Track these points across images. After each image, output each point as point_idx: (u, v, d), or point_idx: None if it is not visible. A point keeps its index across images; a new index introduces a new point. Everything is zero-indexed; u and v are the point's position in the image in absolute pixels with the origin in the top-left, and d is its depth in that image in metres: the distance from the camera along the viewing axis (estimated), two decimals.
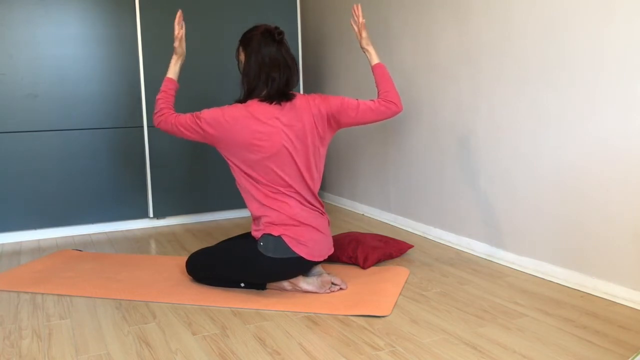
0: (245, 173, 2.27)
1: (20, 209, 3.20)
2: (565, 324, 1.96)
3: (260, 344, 1.86)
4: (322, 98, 2.34)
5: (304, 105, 2.30)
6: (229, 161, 2.29)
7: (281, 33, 2.27)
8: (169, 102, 2.35)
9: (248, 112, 2.22)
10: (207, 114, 2.23)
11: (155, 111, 2.35)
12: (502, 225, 2.67)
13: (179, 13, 2.37)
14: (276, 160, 2.23)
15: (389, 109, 2.40)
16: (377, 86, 2.46)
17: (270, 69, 2.24)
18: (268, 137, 2.21)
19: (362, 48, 2.52)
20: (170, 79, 2.40)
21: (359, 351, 1.78)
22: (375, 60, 2.48)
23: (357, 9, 2.49)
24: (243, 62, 2.31)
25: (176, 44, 2.38)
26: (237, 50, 2.36)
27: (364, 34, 2.49)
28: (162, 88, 2.38)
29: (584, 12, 2.19)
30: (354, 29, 2.53)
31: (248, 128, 2.20)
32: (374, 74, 2.48)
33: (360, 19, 2.48)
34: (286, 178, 2.25)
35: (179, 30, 2.37)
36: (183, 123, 2.27)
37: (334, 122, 2.35)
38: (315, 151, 2.31)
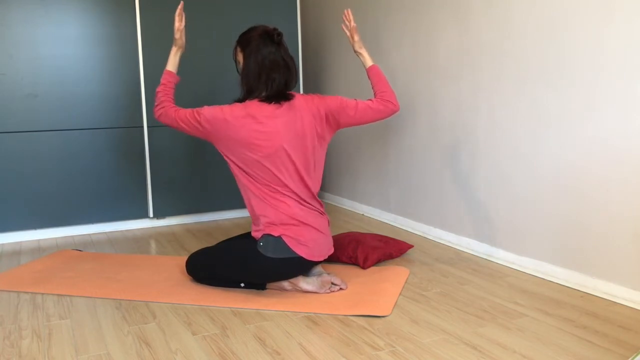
0: (244, 171, 2.27)
1: (20, 209, 3.20)
2: (565, 324, 1.96)
3: (260, 344, 1.86)
4: (321, 98, 2.35)
5: (303, 106, 2.30)
6: (227, 159, 2.30)
7: (280, 34, 2.28)
8: (169, 95, 2.38)
9: (247, 112, 2.22)
10: (207, 111, 2.24)
11: (156, 104, 2.37)
12: (502, 225, 2.67)
13: (180, 5, 2.38)
14: (274, 160, 2.23)
15: (387, 108, 2.43)
16: (373, 87, 2.49)
17: (270, 70, 2.25)
18: (266, 137, 2.21)
19: (356, 52, 2.54)
20: (170, 72, 2.42)
21: (359, 351, 1.78)
22: (369, 62, 2.52)
23: (348, 13, 2.53)
24: (241, 63, 2.32)
25: (177, 35, 2.41)
26: (235, 50, 2.37)
27: (356, 38, 2.53)
28: (162, 81, 2.40)
29: (584, 12, 2.19)
30: (346, 34, 2.56)
31: (246, 127, 2.21)
32: (369, 76, 2.51)
33: (352, 23, 2.51)
34: (283, 178, 2.25)
35: (179, 22, 2.39)
36: (183, 118, 2.28)
37: (334, 121, 2.36)
38: (314, 151, 2.32)
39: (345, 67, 3.91)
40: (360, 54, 2.53)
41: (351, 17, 2.52)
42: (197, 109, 2.27)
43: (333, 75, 4.08)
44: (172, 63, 2.43)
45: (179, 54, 2.44)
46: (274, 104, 2.26)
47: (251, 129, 2.21)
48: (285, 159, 2.24)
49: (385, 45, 3.43)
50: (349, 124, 2.40)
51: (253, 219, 2.32)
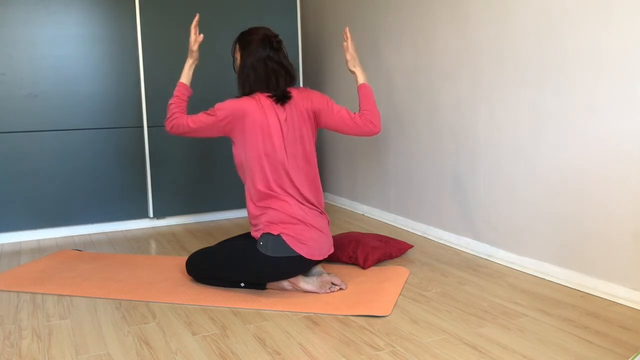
0: (247, 168, 2.29)
1: (20, 209, 3.20)
2: (566, 324, 1.96)
3: (260, 344, 1.86)
4: (310, 93, 2.40)
5: (300, 103, 2.35)
6: (235, 153, 2.33)
7: (279, 41, 2.33)
8: (181, 107, 2.39)
9: (255, 100, 2.28)
10: (220, 103, 2.28)
11: (168, 116, 2.38)
12: (502, 225, 2.67)
13: (197, 17, 2.41)
14: (276, 159, 2.25)
15: (366, 126, 2.41)
16: (359, 104, 2.47)
17: (268, 75, 2.30)
18: (269, 134, 2.25)
19: (350, 70, 2.52)
20: (184, 85, 2.43)
21: (359, 351, 1.78)
22: (361, 80, 2.50)
23: (346, 32, 2.50)
24: (238, 60, 2.36)
25: (194, 47, 2.42)
26: (233, 47, 2.39)
27: (348, 57, 2.50)
28: (175, 93, 2.41)
29: (583, 12, 2.19)
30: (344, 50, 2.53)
31: (257, 118, 2.25)
32: (358, 93, 2.49)
33: (347, 42, 2.49)
34: (284, 176, 2.26)
35: (195, 34, 2.41)
36: (195, 120, 2.31)
37: (315, 119, 2.38)
38: (311, 148, 2.36)
39: (344, 67, 3.91)
40: (353, 72, 2.51)
41: (348, 35, 2.50)
42: (209, 109, 2.31)
43: (333, 76, 4.08)
44: (186, 75, 2.45)
45: (193, 67, 2.46)
46: (278, 105, 2.30)
47: (260, 121, 2.25)
48: (286, 157, 2.26)
49: (385, 46, 3.43)
50: (326, 127, 2.42)
51: (252, 219, 2.33)
